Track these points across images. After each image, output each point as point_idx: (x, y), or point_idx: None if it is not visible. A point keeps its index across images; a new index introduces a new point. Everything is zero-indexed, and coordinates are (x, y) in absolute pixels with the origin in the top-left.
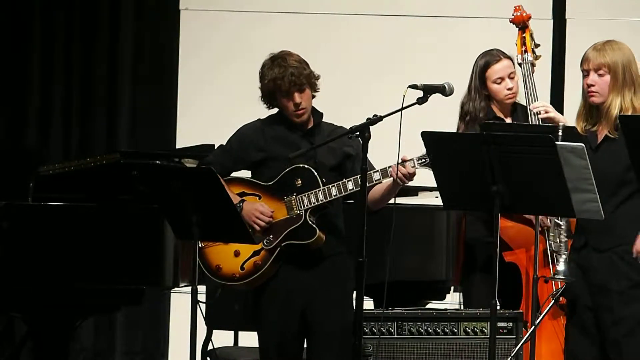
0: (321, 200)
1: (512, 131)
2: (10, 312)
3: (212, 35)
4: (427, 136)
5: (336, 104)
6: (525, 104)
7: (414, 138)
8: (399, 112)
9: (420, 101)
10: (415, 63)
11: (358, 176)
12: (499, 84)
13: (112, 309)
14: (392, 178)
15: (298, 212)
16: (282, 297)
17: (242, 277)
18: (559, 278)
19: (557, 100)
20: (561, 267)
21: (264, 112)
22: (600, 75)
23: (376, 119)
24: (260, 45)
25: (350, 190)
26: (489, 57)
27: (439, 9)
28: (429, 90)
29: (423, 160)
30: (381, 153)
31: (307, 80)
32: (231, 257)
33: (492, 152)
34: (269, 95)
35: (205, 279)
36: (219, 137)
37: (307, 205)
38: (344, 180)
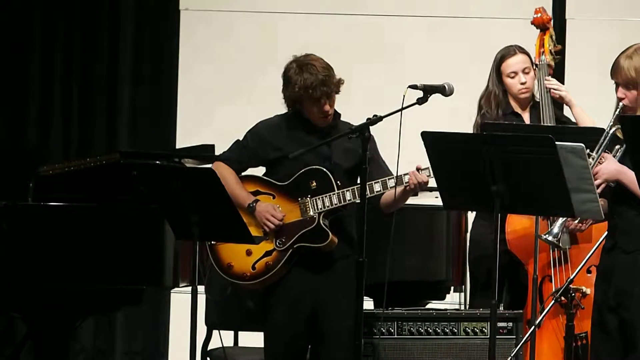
0: (335, 204)
1: (512, 131)
2: (10, 312)
3: (212, 35)
4: (427, 136)
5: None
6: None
7: (414, 138)
8: (399, 112)
9: (420, 101)
10: (417, 63)
11: (373, 182)
12: (512, 78)
13: (112, 309)
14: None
15: (312, 214)
16: (291, 299)
17: (253, 277)
18: (547, 239)
19: None
20: (556, 228)
21: (263, 112)
22: (629, 89)
23: (376, 119)
24: (260, 46)
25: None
26: (505, 51)
27: (444, 10)
28: (429, 90)
29: None
30: (381, 153)
31: (336, 87)
32: (243, 256)
33: (492, 152)
34: (295, 100)
35: (205, 279)
36: (219, 138)
37: (321, 208)
38: (359, 185)
